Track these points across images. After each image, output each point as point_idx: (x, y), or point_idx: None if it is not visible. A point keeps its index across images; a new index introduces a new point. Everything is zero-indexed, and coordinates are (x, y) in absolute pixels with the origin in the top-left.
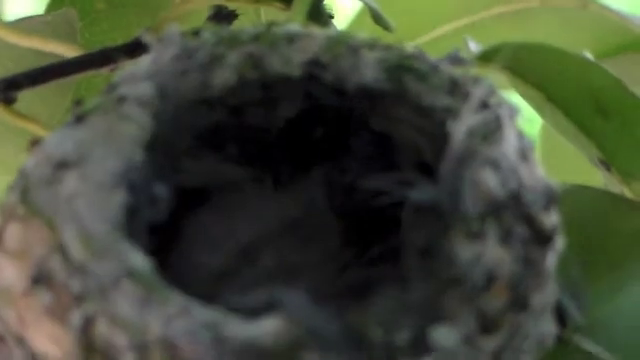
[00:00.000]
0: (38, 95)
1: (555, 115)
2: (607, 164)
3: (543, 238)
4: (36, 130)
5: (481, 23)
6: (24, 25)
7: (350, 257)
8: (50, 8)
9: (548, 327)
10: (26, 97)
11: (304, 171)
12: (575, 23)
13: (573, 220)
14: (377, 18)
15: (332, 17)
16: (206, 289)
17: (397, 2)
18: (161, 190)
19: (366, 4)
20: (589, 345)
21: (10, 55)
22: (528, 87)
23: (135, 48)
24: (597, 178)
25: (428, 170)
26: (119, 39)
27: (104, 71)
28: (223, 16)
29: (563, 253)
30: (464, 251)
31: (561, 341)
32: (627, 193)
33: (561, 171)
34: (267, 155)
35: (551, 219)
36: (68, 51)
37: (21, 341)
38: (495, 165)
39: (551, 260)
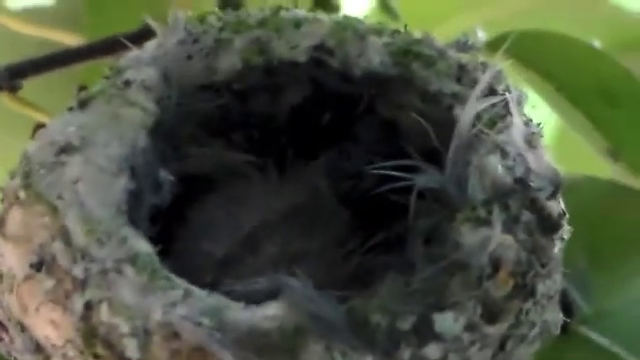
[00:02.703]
0: (44, 85)
1: (563, 105)
2: (615, 154)
3: (550, 225)
4: (41, 118)
5: (495, 19)
6: (30, 14)
7: (355, 244)
8: None
9: (554, 316)
10: (32, 87)
11: (309, 158)
12: (591, 19)
13: (580, 211)
14: (385, 7)
15: (338, 9)
16: (209, 277)
17: None
18: (165, 176)
19: None
20: (596, 336)
21: (16, 44)
22: (537, 76)
23: (141, 37)
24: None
25: (435, 156)
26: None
27: (109, 60)
28: (231, 5)
29: (570, 244)
30: (470, 237)
31: (567, 332)
32: (636, 184)
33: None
34: (272, 142)
35: (558, 206)
36: (74, 41)
37: (23, 328)
38: (502, 151)
39: (557, 248)
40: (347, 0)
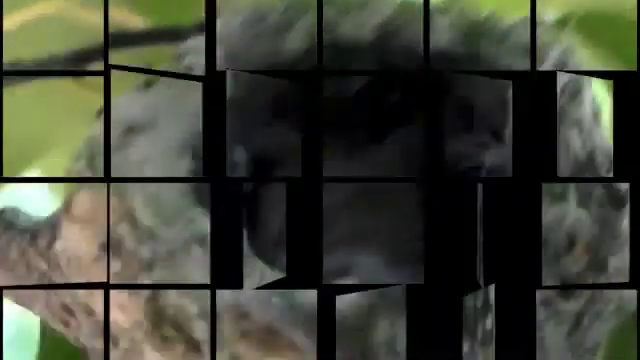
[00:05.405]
0: None
1: None
2: None
3: (618, 200)
4: None
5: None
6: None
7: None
8: None
9: (629, 292)
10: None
11: (380, 136)
12: None
13: None
14: None
15: None
16: (280, 256)
17: None
18: (238, 155)
19: None
20: None
21: (79, 31)
22: (604, 54)
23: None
24: None
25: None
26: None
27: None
28: None
29: None
30: (546, 213)
31: None
32: None
33: None
34: (341, 123)
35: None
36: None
37: (90, 311)
38: (579, 126)
39: (626, 223)
40: None
